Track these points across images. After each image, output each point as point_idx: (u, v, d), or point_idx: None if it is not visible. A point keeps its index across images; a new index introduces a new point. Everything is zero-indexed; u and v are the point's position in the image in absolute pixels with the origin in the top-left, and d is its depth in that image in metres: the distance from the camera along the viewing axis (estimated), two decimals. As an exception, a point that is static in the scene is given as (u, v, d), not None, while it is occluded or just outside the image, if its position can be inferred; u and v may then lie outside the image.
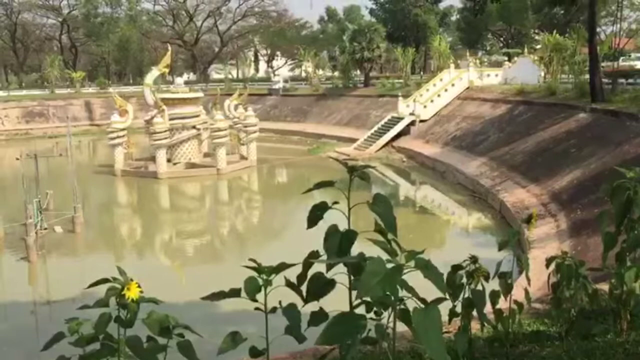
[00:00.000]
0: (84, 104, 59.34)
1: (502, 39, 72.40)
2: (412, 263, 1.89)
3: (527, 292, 3.67)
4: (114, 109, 35.27)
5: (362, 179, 2.30)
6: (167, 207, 27.73)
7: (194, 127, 33.06)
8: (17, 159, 22.97)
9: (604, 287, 4.97)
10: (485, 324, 3.76)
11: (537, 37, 58.98)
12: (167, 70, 36.49)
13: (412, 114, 38.12)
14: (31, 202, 19.82)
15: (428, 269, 1.79)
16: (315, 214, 2.36)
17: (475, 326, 4.30)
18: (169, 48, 39.14)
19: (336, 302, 2.42)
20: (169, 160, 31.92)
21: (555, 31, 39.53)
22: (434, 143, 34.47)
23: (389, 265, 1.89)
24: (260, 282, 2.50)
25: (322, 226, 2.41)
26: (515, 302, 3.59)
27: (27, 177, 20.77)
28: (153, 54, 78.94)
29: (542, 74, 37.95)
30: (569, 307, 4.07)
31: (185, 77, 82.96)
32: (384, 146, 36.87)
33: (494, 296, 3.37)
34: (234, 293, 2.52)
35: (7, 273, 16.93)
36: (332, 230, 2.30)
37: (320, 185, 2.39)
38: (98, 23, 73.67)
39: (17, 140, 48.97)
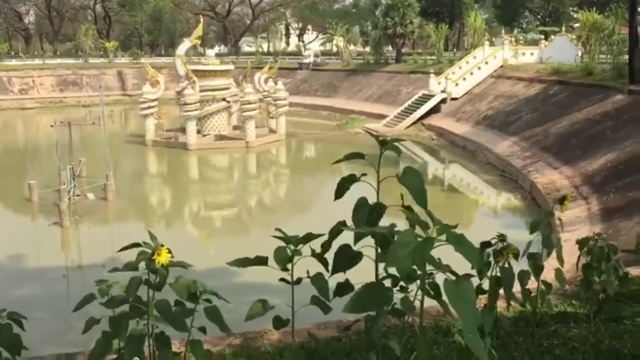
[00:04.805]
0: (116, 73, 60.00)
1: (539, 16, 70.50)
2: (443, 237, 1.85)
3: (559, 272, 3.59)
4: (146, 79, 35.59)
5: (393, 151, 2.27)
6: (196, 178, 28.00)
7: (224, 99, 33.15)
8: (52, 126, 23.39)
9: (636, 272, 4.88)
10: (512, 303, 3.72)
11: (575, 16, 57.34)
12: (198, 42, 36.46)
13: (443, 91, 37.61)
14: (65, 168, 20.24)
15: (461, 243, 1.76)
16: (344, 186, 2.34)
17: (501, 305, 4.27)
18: (201, 20, 39.17)
19: (361, 275, 2.41)
20: (198, 132, 32.13)
21: (594, 10, 38.36)
22: (465, 121, 34.00)
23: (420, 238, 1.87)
24: (289, 252, 2.51)
25: (351, 201, 2.39)
26: (544, 282, 3.54)
27: (60, 144, 21.17)
28: (185, 26, 79.16)
29: (580, 53, 36.93)
30: (599, 289, 4.01)
31: (216, 49, 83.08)
32: (413, 123, 36.50)
33: (524, 276, 3.33)
34: (260, 261, 2.54)
35: (40, 237, 17.35)
36: (362, 202, 2.28)
37: (350, 157, 2.37)
38: (132, -7, 73.97)
39: (51, 108, 49.85)
